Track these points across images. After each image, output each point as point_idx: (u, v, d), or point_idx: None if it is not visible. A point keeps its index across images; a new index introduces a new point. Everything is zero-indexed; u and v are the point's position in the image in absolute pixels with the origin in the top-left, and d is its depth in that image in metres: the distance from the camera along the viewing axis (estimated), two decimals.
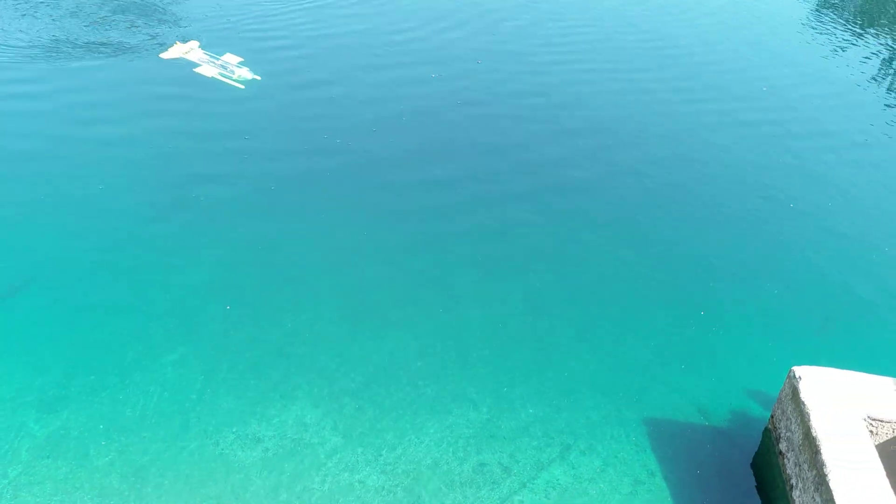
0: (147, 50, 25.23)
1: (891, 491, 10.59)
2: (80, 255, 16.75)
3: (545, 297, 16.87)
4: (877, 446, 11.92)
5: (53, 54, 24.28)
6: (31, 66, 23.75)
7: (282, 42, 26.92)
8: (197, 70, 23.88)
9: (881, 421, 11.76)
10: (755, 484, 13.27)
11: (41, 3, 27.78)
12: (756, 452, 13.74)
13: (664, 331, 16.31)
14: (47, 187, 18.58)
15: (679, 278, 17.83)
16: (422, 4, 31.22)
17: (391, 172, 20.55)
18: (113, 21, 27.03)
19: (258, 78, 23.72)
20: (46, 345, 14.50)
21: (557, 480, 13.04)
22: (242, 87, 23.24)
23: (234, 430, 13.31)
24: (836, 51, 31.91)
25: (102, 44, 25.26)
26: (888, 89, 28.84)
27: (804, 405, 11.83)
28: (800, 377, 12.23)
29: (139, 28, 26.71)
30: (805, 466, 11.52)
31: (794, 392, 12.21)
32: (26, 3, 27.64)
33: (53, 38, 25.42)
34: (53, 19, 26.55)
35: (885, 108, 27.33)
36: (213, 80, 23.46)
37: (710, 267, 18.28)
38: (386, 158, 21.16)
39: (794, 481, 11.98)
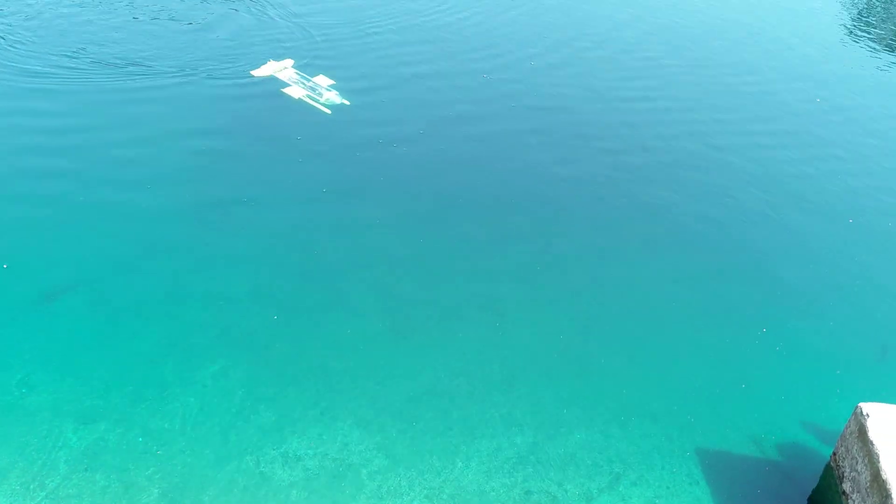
0: (242, 64, 24.72)
1: None
2: (123, 260, 16.50)
3: (595, 319, 16.38)
4: None
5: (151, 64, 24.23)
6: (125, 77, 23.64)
7: (381, 71, 25.62)
8: (285, 90, 23.18)
9: None
10: None
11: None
12: (815, 489, 13.16)
13: (719, 356, 15.77)
14: (100, 190, 18.42)
15: (737, 300, 17.26)
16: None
17: (447, 192, 20.04)
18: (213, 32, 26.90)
19: (347, 103, 22.88)
20: (85, 353, 14.24)
21: None
22: (329, 111, 22.40)
23: (274, 447, 12.97)
24: None
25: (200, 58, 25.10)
26: None
27: (873, 445, 11.27)
28: (867, 414, 11.66)
29: (237, 43, 26.35)
30: None
31: (861, 430, 11.63)
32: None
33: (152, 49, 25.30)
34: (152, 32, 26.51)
35: None
36: (299, 102, 22.80)
37: (773, 288, 17.69)
38: (445, 184, 20.78)
39: None
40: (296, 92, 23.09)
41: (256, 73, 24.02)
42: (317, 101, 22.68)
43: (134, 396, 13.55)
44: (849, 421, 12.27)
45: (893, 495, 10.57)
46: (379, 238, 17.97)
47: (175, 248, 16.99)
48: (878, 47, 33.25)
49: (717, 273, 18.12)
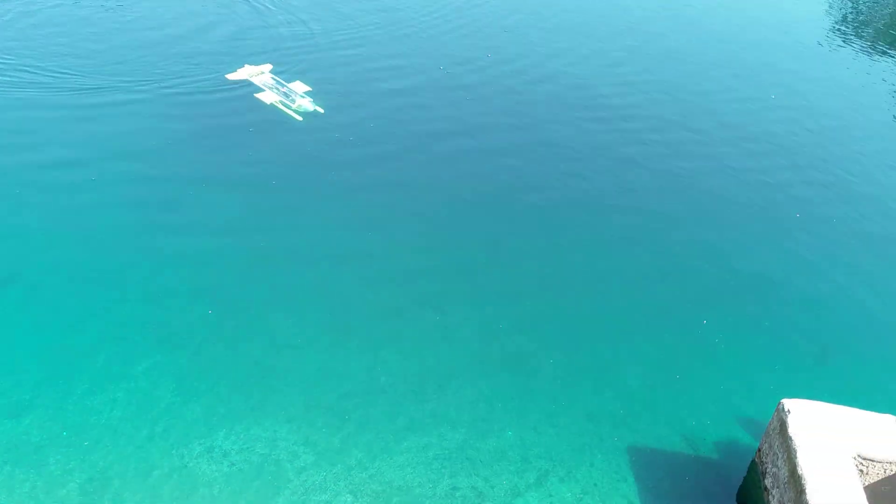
0: (219, 67, 24.47)
1: None
2: (60, 257, 16.40)
3: (535, 320, 16.33)
4: (866, 487, 11.35)
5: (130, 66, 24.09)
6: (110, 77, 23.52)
7: (360, 80, 25.12)
8: (257, 95, 22.91)
9: (872, 460, 11.20)
10: None
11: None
12: (741, 486, 13.18)
13: (658, 353, 15.79)
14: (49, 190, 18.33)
15: (678, 297, 17.31)
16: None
17: (387, 188, 20.08)
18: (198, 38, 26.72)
19: (321, 111, 22.53)
20: (17, 349, 14.16)
21: None
22: (300, 118, 22.10)
23: (200, 442, 12.89)
24: None
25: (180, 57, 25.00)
26: None
27: (791, 441, 11.30)
28: (788, 411, 11.70)
29: (219, 45, 26.17)
30: None
31: (782, 426, 11.66)
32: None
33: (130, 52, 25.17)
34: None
35: None
36: (271, 107, 22.50)
37: (714, 286, 17.77)
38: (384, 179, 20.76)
39: None
40: (268, 97, 22.78)
41: (231, 76, 23.71)
42: (288, 107, 22.36)
43: (63, 391, 13.45)
44: (772, 417, 12.29)
45: (807, 490, 10.58)
46: (322, 238, 17.92)
47: (115, 245, 16.89)
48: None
49: (659, 270, 18.16)
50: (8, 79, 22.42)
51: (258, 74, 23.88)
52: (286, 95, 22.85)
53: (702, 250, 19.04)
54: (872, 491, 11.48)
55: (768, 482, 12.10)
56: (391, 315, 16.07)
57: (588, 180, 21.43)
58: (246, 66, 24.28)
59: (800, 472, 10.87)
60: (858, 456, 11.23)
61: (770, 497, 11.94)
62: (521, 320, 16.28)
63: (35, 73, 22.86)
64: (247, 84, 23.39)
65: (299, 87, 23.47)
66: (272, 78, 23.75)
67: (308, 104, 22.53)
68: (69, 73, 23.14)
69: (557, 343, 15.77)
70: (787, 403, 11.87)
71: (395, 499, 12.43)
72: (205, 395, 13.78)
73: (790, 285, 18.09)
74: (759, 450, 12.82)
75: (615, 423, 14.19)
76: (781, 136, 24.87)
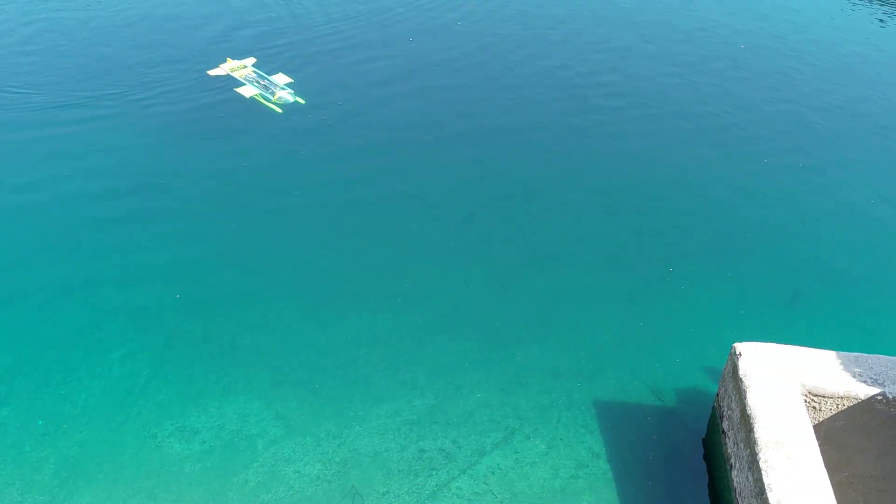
0: (201, 63, 24.38)
1: (823, 470, 10.22)
2: (33, 247, 16.72)
3: (502, 285, 16.55)
4: (821, 423, 11.53)
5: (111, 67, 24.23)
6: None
7: (344, 72, 24.67)
8: (238, 89, 22.80)
9: (823, 396, 11.38)
10: (702, 464, 12.94)
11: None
12: (706, 432, 13.40)
13: (621, 310, 15.99)
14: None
15: (637, 250, 17.53)
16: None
17: (347, 161, 20.29)
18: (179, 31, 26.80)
19: (301, 101, 22.38)
20: None
21: (498, 465, 12.80)
22: (280, 111, 22.01)
23: (173, 422, 13.21)
24: None
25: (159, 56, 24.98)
26: None
27: (741, 382, 11.49)
28: (739, 353, 11.88)
29: (206, 41, 26.10)
30: (741, 445, 11.18)
31: (734, 369, 11.86)
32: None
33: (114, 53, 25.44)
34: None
35: None
36: (251, 100, 22.44)
37: (674, 235, 17.99)
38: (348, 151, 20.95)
39: (732, 461, 11.64)
40: (248, 91, 22.74)
41: (212, 72, 23.67)
42: (268, 100, 22.35)
43: (38, 382, 13.79)
44: (727, 361, 12.48)
45: (756, 428, 10.78)
46: (292, 216, 18.16)
47: (88, 234, 17.18)
48: None
49: (624, 223, 18.34)
50: None
51: (240, 69, 23.81)
52: (266, 88, 22.81)
53: (666, 194, 19.21)
54: (827, 427, 11.65)
55: (725, 425, 12.31)
56: (361, 288, 16.31)
57: (550, 139, 21.57)
58: (228, 59, 24.22)
59: (749, 411, 11.07)
60: (809, 393, 11.40)
61: (726, 439, 12.15)
62: (490, 285, 16.51)
63: None
64: (228, 79, 23.45)
65: (281, 79, 23.41)
66: (254, 71, 23.68)
67: (288, 96, 22.48)
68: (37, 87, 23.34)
69: (527, 305, 15.99)
70: (739, 346, 12.05)
71: (364, 464, 12.74)
72: (177, 377, 14.08)
73: (761, 227, 18.26)
74: (717, 395, 13.03)
75: (581, 379, 14.43)
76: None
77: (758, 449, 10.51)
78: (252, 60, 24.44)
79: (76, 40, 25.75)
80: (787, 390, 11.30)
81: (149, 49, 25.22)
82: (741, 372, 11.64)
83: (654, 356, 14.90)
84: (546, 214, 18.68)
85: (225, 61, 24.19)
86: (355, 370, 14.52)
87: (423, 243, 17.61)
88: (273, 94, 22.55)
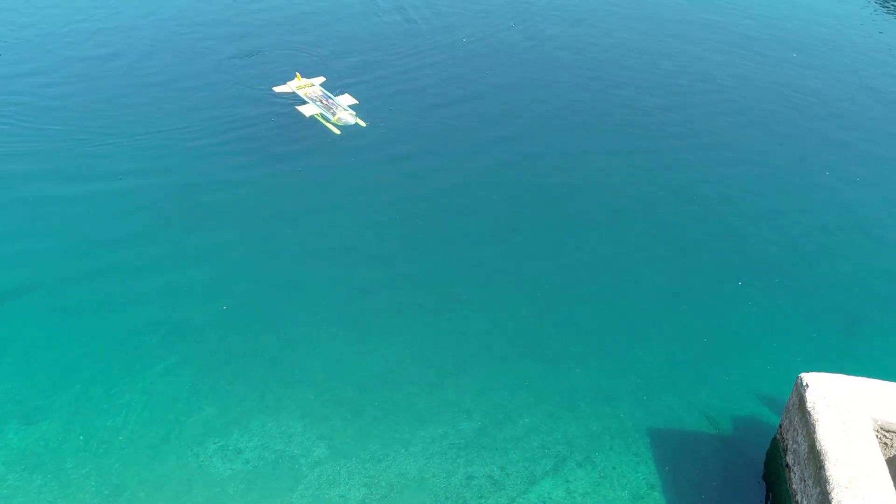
0: (270, 80, 24.15)
1: None
2: (79, 260, 16.58)
3: (550, 303, 16.13)
4: (889, 460, 10.96)
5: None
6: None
7: (410, 97, 23.85)
8: (299, 108, 22.49)
9: (895, 432, 10.80)
10: (763, 498, 12.39)
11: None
12: (765, 464, 12.85)
13: (678, 331, 15.49)
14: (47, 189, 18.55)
15: (690, 276, 16.96)
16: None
17: (400, 183, 19.89)
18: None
19: (363, 124, 21.83)
20: (36, 354, 14.34)
21: (549, 495, 12.35)
22: (338, 132, 21.50)
23: (215, 441, 12.92)
24: None
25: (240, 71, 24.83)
26: None
27: (810, 415, 10.96)
28: (807, 385, 11.34)
29: (278, 55, 25.84)
30: (810, 482, 10.64)
31: (801, 401, 11.32)
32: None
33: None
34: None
35: None
36: (310, 119, 22.07)
37: (727, 262, 17.41)
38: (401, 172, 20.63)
39: (799, 497, 11.09)
40: (309, 110, 22.38)
41: (278, 88, 23.42)
42: (328, 120, 21.90)
43: (80, 396, 13.58)
44: (791, 392, 11.94)
45: (827, 466, 10.25)
46: (338, 234, 17.84)
47: (132, 246, 17.02)
48: None
49: (680, 247, 17.83)
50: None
51: (307, 87, 23.40)
52: (328, 108, 22.35)
53: (728, 216, 18.68)
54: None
55: (790, 459, 11.77)
56: (406, 304, 15.97)
57: (599, 158, 21.12)
58: (297, 76, 23.81)
59: (819, 447, 10.54)
60: (881, 429, 10.85)
61: (792, 474, 11.60)
62: (537, 306, 16.06)
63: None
64: (291, 97, 23.08)
65: (346, 100, 22.88)
66: (320, 89, 23.22)
67: (349, 117, 21.97)
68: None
69: (574, 328, 15.52)
70: (806, 377, 11.52)
71: (410, 489, 12.35)
72: (220, 393, 13.82)
73: (823, 255, 17.65)
74: (780, 426, 12.49)
75: (634, 405, 13.94)
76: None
77: (830, 488, 9.98)
78: (321, 80, 23.97)
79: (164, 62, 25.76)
80: (858, 425, 10.75)
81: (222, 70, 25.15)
82: (809, 404, 11.10)
83: (711, 381, 14.39)
84: (597, 230, 18.29)
85: (294, 78, 23.78)
86: (399, 390, 14.16)
87: (468, 261, 17.23)
88: (333, 114, 22.05)
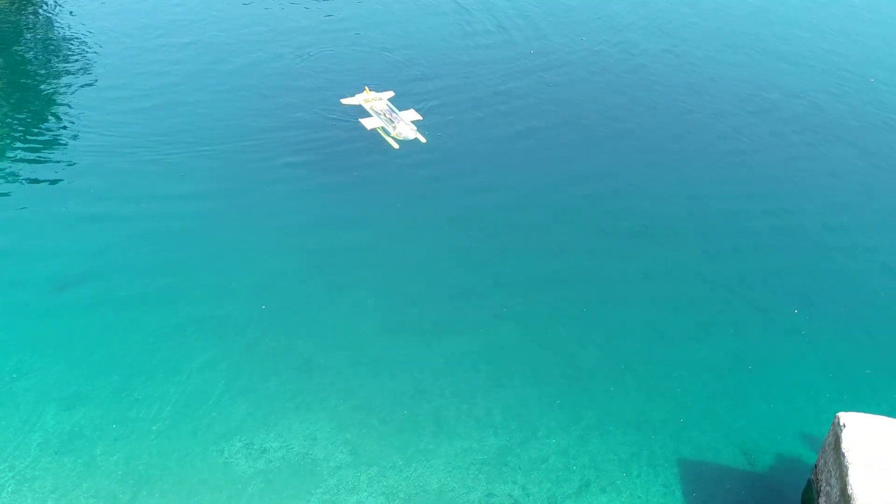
0: (341, 91, 24.07)
1: None
2: (132, 254, 17.02)
3: (591, 324, 15.83)
4: None
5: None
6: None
7: (481, 117, 23.26)
8: (361, 120, 22.46)
9: None
10: None
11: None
12: None
13: (716, 362, 15.00)
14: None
15: (731, 307, 16.39)
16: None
17: (450, 197, 19.78)
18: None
19: (423, 140, 21.64)
20: (81, 342, 14.78)
21: None
22: (397, 146, 21.48)
23: (242, 439, 13.07)
24: None
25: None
26: None
27: (843, 457, 10.44)
28: (844, 424, 10.82)
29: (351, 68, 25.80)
30: None
31: (837, 441, 10.81)
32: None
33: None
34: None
35: None
36: (371, 132, 22.01)
37: (769, 293, 16.78)
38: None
39: None
40: (371, 123, 22.34)
41: (346, 101, 23.50)
42: (388, 133, 21.86)
43: (118, 385, 13.93)
44: (828, 431, 11.40)
45: None
46: (381, 242, 17.88)
47: (183, 244, 17.41)
48: None
49: (738, 274, 17.25)
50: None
51: (374, 100, 23.36)
52: (390, 122, 22.28)
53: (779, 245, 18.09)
54: None
55: (822, 502, 11.22)
56: (445, 316, 15.90)
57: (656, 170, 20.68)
58: (366, 89, 23.79)
59: (850, 491, 10.02)
60: None
61: None
62: (578, 326, 15.78)
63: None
64: (356, 109, 23.12)
65: (410, 115, 22.74)
66: (387, 104, 23.18)
67: (409, 131, 21.83)
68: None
69: (612, 352, 15.17)
70: (843, 417, 10.98)
71: (428, 502, 12.23)
72: (253, 391, 13.99)
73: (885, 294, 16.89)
74: (816, 466, 11.92)
75: (667, 433, 13.55)
76: None
77: None
78: (389, 94, 23.83)
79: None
80: (894, 471, 10.18)
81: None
82: (844, 446, 10.58)
83: (750, 413, 13.90)
84: (644, 250, 17.85)
85: (363, 90, 23.73)
86: (428, 401, 14.09)
87: (512, 278, 17.01)
88: (394, 128, 21.96)
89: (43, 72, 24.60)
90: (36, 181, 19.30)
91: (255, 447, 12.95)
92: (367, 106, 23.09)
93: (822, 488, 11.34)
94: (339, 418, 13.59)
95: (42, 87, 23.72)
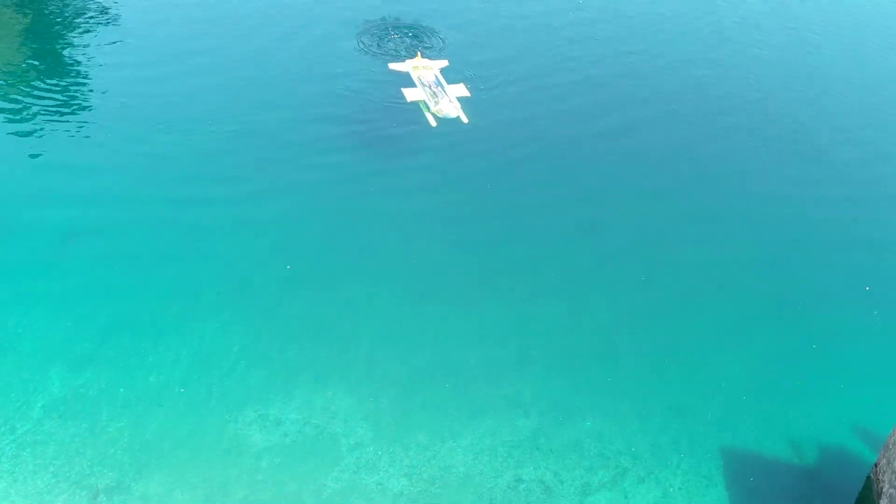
0: (391, 56, 22.71)
1: None
2: (145, 206, 16.19)
3: (632, 303, 14.92)
4: None
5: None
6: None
7: (530, 100, 21.47)
8: (404, 90, 20.88)
9: None
10: None
11: None
12: None
13: (769, 348, 14.07)
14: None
15: (789, 294, 15.37)
16: None
17: (488, 175, 18.49)
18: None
19: (465, 120, 19.91)
20: (90, 298, 14.01)
21: None
22: (434, 124, 19.77)
23: (256, 409, 12.31)
24: None
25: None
26: None
27: None
28: None
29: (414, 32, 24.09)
30: None
31: None
32: None
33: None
34: None
35: None
36: (412, 105, 20.44)
37: (831, 285, 15.71)
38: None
39: None
40: (413, 94, 20.73)
41: (394, 66, 22.04)
42: (428, 108, 20.22)
43: (127, 346, 13.17)
44: (893, 429, 10.46)
45: None
46: (414, 203, 17.00)
47: (201, 200, 16.54)
48: None
49: (780, 256, 16.25)
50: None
51: (423, 69, 21.76)
52: (434, 96, 20.61)
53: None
54: None
55: (884, 503, 10.32)
56: (475, 288, 15.02)
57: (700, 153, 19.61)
58: (418, 54, 22.35)
59: None
60: None
61: None
62: (618, 305, 14.88)
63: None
64: (402, 77, 21.62)
65: (458, 90, 21.01)
66: (436, 75, 21.53)
67: (452, 110, 20.12)
68: None
69: (654, 333, 14.25)
70: None
71: (453, 486, 11.46)
72: (269, 359, 13.22)
73: None
74: (877, 465, 11.01)
75: (709, 421, 12.67)
76: None
77: None
78: (442, 64, 22.23)
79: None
80: None
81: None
82: None
83: (803, 405, 12.98)
84: (684, 227, 16.85)
85: (415, 56, 22.28)
86: (456, 376, 13.25)
87: (551, 253, 16.02)
88: (436, 103, 20.26)
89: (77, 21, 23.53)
90: (55, 123, 18.39)
91: (270, 419, 12.17)
92: (414, 75, 21.54)
93: (884, 490, 10.43)
94: (360, 392, 12.79)
95: (75, 42, 22.53)
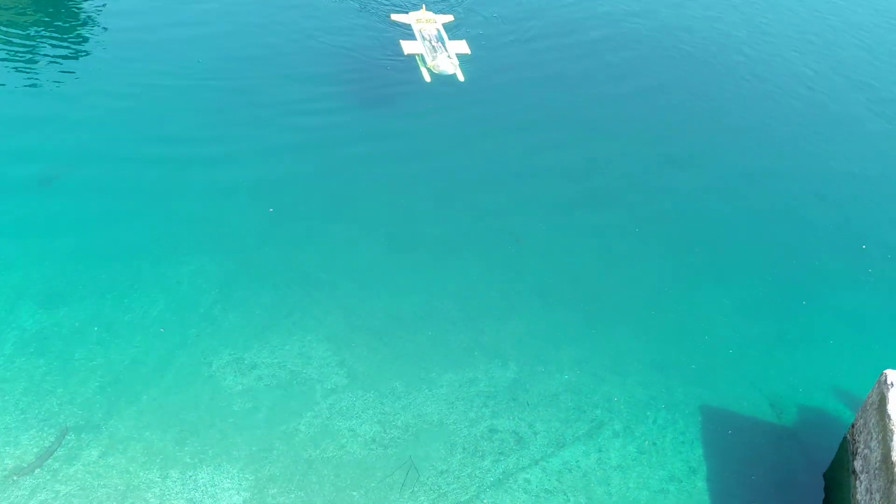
0: (394, 6, 22.13)
1: None
2: (123, 146, 15.95)
3: (617, 256, 14.72)
4: None
5: None
6: None
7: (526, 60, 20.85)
8: (402, 41, 20.19)
9: None
10: (820, 502, 10.91)
11: None
12: (830, 465, 11.31)
13: (751, 302, 13.91)
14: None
15: (776, 252, 15.14)
16: None
17: (470, 132, 17.99)
18: None
19: (461, 78, 19.25)
20: (67, 237, 13.78)
21: (577, 462, 11.16)
22: (428, 79, 19.18)
23: (231, 352, 12.15)
24: None
25: None
26: None
27: (889, 419, 9.38)
28: (892, 384, 9.75)
29: None
30: (877, 496, 9.14)
31: (882, 401, 9.74)
32: None
33: None
34: None
35: None
36: (408, 58, 19.77)
37: (817, 242, 15.50)
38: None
39: None
40: (411, 47, 20.05)
41: (396, 17, 21.45)
42: (424, 63, 19.59)
43: (102, 286, 12.98)
44: (872, 389, 10.33)
45: None
46: (398, 160, 16.67)
47: (190, 138, 16.30)
48: None
49: (767, 211, 16.05)
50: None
51: (426, 22, 21.04)
52: (433, 50, 19.97)
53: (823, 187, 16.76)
54: None
55: (858, 465, 10.22)
56: (459, 235, 14.82)
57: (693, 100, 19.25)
58: (423, 8, 21.68)
59: (894, 457, 8.98)
60: None
61: (857, 482, 10.08)
62: (602, 257, 14.68)
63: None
64: (400, 29, 21.11)
65: (459, 47, 20.27)
66: (437, 29, 20.79)
67: (449, 66, 19.43)
68: None
69: (638, 285, 14.09)
70: (891, 374, 9.90)
71: (425, 433, 11.35)
72: (246, 303, 13.03)
73: None
74: (853, 426, 10.90)
75: (688, 378, 12.55)
76: None
77: None
78: (447, 19, 21.57)
79: None
80: None
81: None
82: (890, 406, 9.51)
83: (783, 363, 12.85)
84: (683, 187, 16.61)
85: (419, 9, 21.65)
86: (434, 325, 13.10)
87: (535, 201, 15.82)
88: (434, 58, 19.62)
89: None
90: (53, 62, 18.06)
91: (244, 363, 12.03)
92: (416, 27, 20.90)
93: (859, 450, 10.32)
94: (337, 338, 12.63)
95: None
